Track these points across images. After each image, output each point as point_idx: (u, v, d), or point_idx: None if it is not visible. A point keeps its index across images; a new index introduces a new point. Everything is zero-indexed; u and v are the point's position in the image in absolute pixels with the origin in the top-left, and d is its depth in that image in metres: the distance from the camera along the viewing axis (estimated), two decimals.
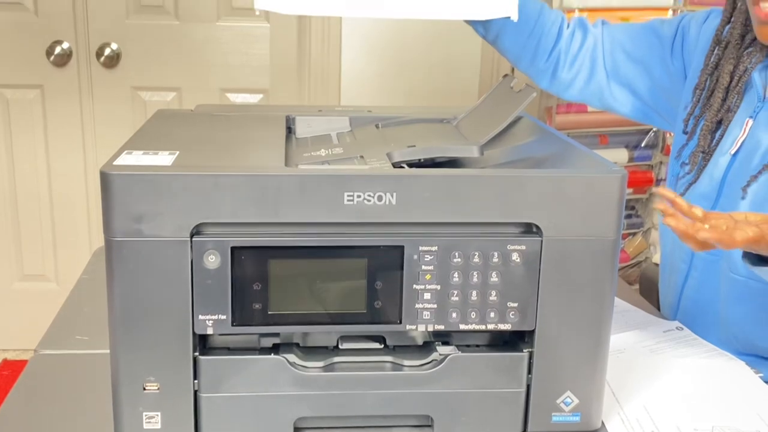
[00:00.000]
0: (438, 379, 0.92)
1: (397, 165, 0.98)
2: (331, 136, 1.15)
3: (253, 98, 2.67)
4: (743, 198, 1.19)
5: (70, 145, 2.66)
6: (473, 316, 0.90)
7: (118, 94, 2.63)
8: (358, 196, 0.85)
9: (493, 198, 0.87)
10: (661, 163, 2.61)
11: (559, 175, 0.88)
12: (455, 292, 0.89)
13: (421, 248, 0.87)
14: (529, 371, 0.92)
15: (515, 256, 0.88)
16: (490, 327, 0.91)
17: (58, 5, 2.55)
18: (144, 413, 0.89)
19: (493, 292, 0.89)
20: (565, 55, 1.42)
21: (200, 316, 0.87)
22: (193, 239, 0.84)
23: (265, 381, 0.90)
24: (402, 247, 0.87)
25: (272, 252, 0.87)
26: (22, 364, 2.37)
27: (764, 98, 1.23)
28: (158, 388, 0.88)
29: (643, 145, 2.59)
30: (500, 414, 0.93)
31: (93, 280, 1.35)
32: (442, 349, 0.93)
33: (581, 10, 2.28)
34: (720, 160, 1.25)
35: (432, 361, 0.93)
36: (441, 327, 0.90)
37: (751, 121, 1.23)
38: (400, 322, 0.90)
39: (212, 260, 0.85)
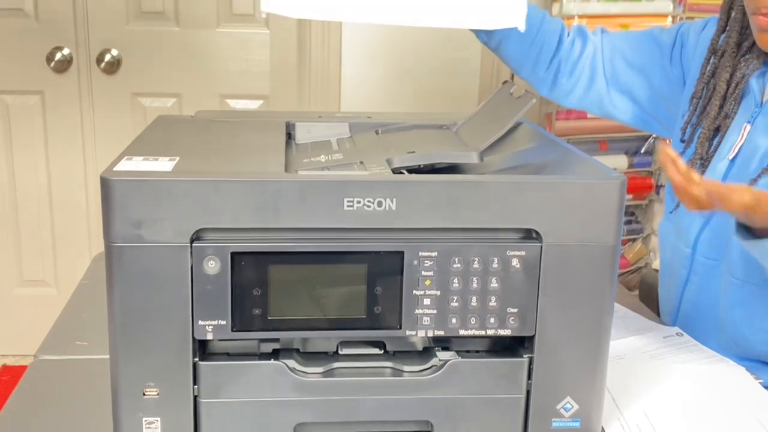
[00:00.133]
0: (438, 385, 0.92)
1: (396, 171, 0.98)
2: (331, 142, 1.15)
3: (253, 104, 2.67)
4: None
5: (71, 151, 2.67)
6: (473, 322, 0.90)
7: (118, 101, 2.63)
8: (358, 202, 0.85)
9: (493, 204, 0.87)
10: (660, 169, 2.61)
11: (559, 181, 0.88)
12: (455, 297, 0.89)
13: (420, 254, 0.87)
14: (529, 377, 0.92)
15: (515, 262, 0.89)
16: (490, 332, 0.91)
17: (58, 11, 2.55)
18: (144, 419, 0.89)
19: (493, 298, 0.89)
20: (566, 62, 1.43)
21: (200, 322, 0.87)
22: (193, 245, 0.84)
23: (264, 386, 0.90)
24: (402, 253, 0.87)
25: (272, 257, 0.87)
26: (21, 369, 2.37)
27: (761, 103, 1.24)
28: (158, 394, 0.88)
29: (642, 151, 2.59)
30: (500, 420, 0.93)
31: (93, 286, 1.35)
32: (442, 355, 0.94)
33: (580, 17, 2.29)
34: (718, 166, 1.26)
35: (432, 366, 0.93)
36: (441, 332, 0.90)
37: (749, 127, 1.23)
38: (400, 328, 0.90)
39: (212, 266, 0.85)
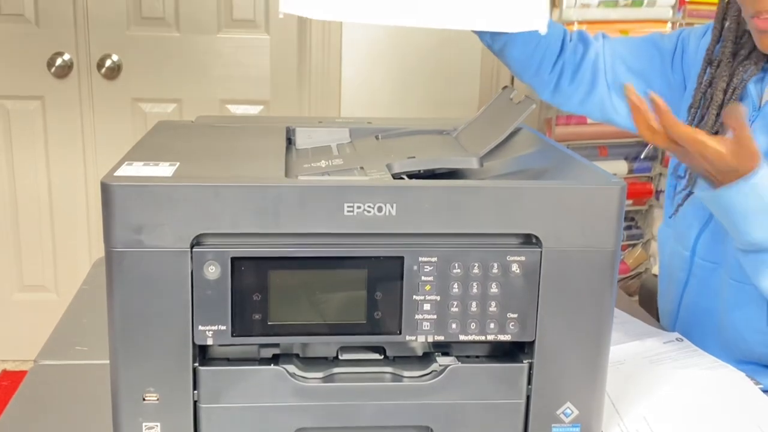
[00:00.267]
0: (438, 390, 0.92)
1: (396, 176, 0.98)
2: (331, 148, 1.15)
3: (254, 109, 2.68)
4: None
5: (71, 157, 2.67)
6: (473, 327, 0.90)
7: (118, 106, 2.64)
8: (358, 207, 0.85)
9: (493, 209, 0.87)
10: (660, 174, 2.61)
11: (559, 186, 0.88)
12: (455, 302, 0.89)
13: (420, 259, 0.88)
14: (529, 382, 0.92)
15: (515, 267, 0.89)
16: (490, 338, 0.91)
17: (59, 17, 2.56)
18: (143, 424, 0.89)
19: (493, 303, 0.89)
20: (569, 67, 1.43)
21: (200, 327, 0.87)
22: (194, 250, 0.85)
23: (264, 392, 0.90)
24: (402, 258, 0.87)
25: (272, 263, 0.87)
26: (21, 374, 2.37)
27: (759, 107, 1.24)
28: (158, 399, 0.88)
29: (642, 156, 2.59)
30: (500, 425, 0.93)
31: (93, 291, 1.35)
32: (442, 360, 0.93)
33: (580, 23, 2.29)
34: None
35: (432, 372, 0.93)
36: (441, 338, 0.90)
37: None
38: (400, 333, 0.90)
39: (212, 271, 0.85)
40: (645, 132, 1.09)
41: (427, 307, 0.89)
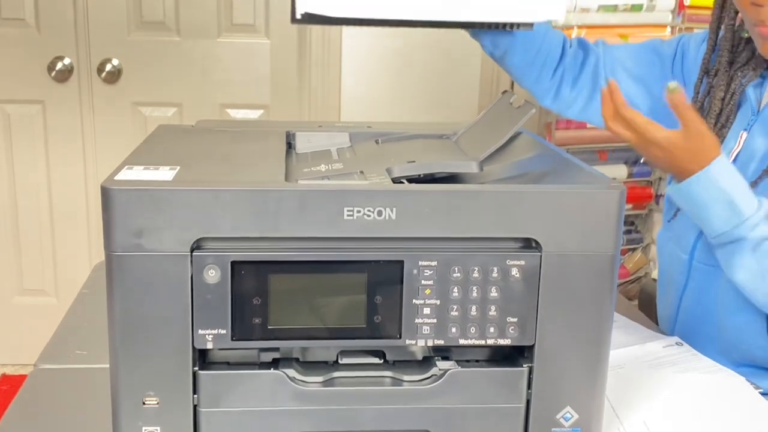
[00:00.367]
0: (438, 395, 0.92)
1: (396, 180, 0.98)
2: (331, 152, 1.15)
3: (254, 114, 2.68)
4: None
5: (71, 160, 2.67)
6: (473, 331, 0.90)
7: (119, 110, 2.64)
8: (358, 211, 0.85)
9: (493, 213, 0.87)
10: (660, 178, 2.62)
11: (559, 190, 0.88)
12: (455, 306, 0.89)
13: (420, 263, 0.88)
14: (529, 386, 0.92)
15: (514, 271, 0.89)
16: (490, 342, 0.91)
17: (59, 21, 2.56)
18: (143, 428, 0.88)
19: (493, 307, 0.89)
20: (569, 74, 1.44)
21: (200, 331, 0.87)
22: (194, 254, 0.85)
23: (264, 396, 0.90)
24: (402, 262, 0.87)
25: (272, 267, 0.87)
26: (21, 378, 2.36)
27: (758, 111, 1.24)
28: (158, 403, 0.88)
29: (642, 161, 2.59)
30: (500, 429, 0.93)
31: (93, 295, 1.35)
32: (442, 364, 0.93)
33: (580, 27, 2.29)
34: None
35: (432, 376, 0.93)
36: (441, 342, 0.90)
37: (745, 134, 1.25)
38: (400, 337, 0.90)
39: (212, 275, 0.85)
40: (608, 120, 1.15)
41: (427, 311, 0.89)
